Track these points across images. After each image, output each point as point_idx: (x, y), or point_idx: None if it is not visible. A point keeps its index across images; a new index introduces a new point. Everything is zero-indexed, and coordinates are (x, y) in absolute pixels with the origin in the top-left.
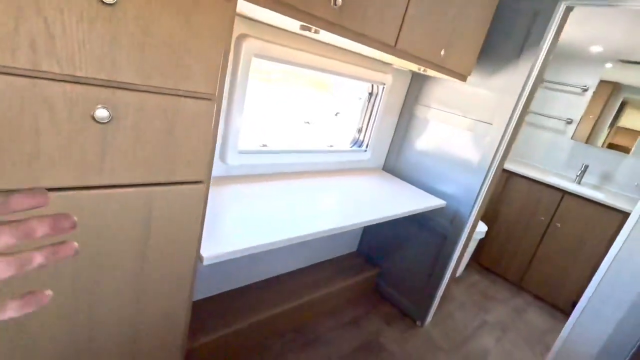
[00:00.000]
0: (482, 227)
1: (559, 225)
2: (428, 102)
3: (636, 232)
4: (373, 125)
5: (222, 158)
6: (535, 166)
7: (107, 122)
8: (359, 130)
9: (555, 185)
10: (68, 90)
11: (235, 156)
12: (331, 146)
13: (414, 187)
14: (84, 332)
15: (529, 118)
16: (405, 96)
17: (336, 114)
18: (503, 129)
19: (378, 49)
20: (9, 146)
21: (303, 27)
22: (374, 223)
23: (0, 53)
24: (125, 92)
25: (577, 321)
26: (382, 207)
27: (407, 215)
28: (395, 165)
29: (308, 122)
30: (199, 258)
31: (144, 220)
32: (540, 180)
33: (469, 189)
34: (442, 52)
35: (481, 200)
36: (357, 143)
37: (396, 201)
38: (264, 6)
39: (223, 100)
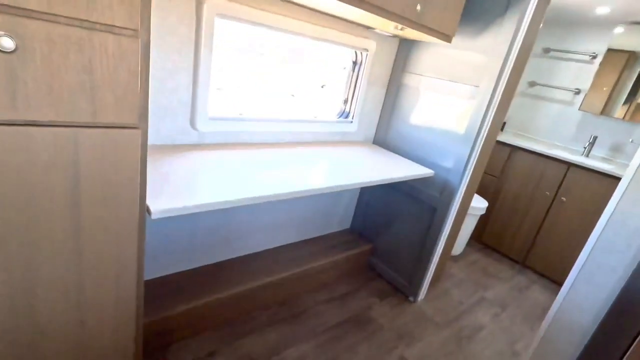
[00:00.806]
0: (482, 203)
1: (564, 199)
2: (416, 70)
3: (629, 194)
4: (359, 94)
5: (192, 124)
6: (542, 141)
7: (13, 52)
8: (345, 102)
9: (560, 158)
10: None
11: (205, 122)
12: (315, 117)
13: (402, 158)
14: (24, 302)
15: (534, 90)
16: (393, 65)
17: (322, 87)
18: (490, 93)
19: (344, 1)
20: None
21: None
22: (356, 187)
23: None
24: (30, 20)
25: (571, 289)
26: (368, 174)
27: (392, 181)
28: (385, 138)
29: (293, 95)
30: (147, 211)
31: (71, 164)
32: (544, 153)
33: (458, 159)
34: (418, 7)
35: (471, 170)
36: (343, 114)
37: (383, 169)
38: None
39: (189, 63)
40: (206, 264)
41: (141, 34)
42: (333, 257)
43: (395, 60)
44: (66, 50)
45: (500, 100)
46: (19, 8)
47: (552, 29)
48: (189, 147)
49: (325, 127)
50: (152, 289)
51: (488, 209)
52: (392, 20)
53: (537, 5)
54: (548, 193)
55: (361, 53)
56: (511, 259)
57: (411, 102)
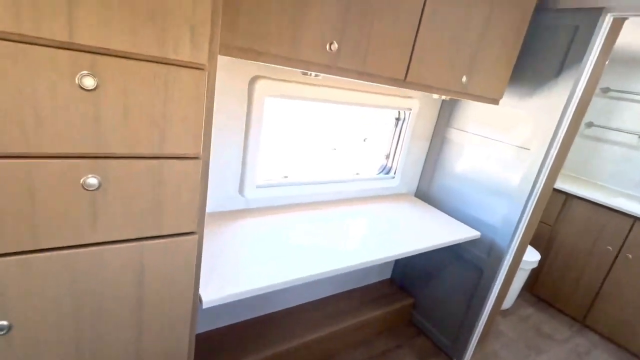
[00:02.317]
0: (533, 256)
1: (630, 256)
2: (461, 126)
3: None
4: (401, 150)
5: (241, 191)
6: (602, 185)
7: (97, 188)
8: (387, 157)
9: (624, 211)
10: (58, 166)
11: (252, 190)
12: (357, 174)
13: (445, 215)
14: None
15: (591, 132)
16: (437, 120)
17: (364, 140)
18: (543, 155)
19: (385, 83)
20: (9, 215)
21: (303, 72)
22: (401, 257)
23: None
24: (112, 160)
25: None
26: (411, 238)
27: (435, 248)
28: (427, 192)
29: (335, 149)
30: (199, 300)
31: (137, 272)
32: (606, 204)
33: (507, 219)
34: (464, 79)
35: (522, 232)
36: (385, 170)
37: (426, 231)
38: (246, 58)
39: (240, 137)
40: (243, 319)
41: (203, 156)
42: (372, 312)
43: (439, 116)
44: (140, 182)
45: (555, 160)
46: (104, 153)
47: (612, 67)
48: (236, 213)
49: (367, 184)
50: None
51: (541, 259)
52: (436, 93)
53: (594, 67)
54: (610, 248)
55: (404, 112)
56: (568, 316)
57: (455, 157)
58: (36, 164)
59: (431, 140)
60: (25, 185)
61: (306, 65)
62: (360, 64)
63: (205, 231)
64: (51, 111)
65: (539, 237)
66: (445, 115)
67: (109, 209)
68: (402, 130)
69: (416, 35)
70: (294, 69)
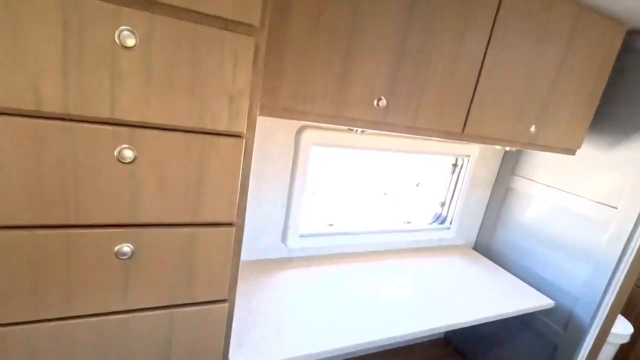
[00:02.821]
0: (624, 328)
1: None
2: (529, 175)
3: None
4: (458, 199)
5: (283, 240)
6: None
7: (129, 257)
8: (442, 205)
9: None
10: (94, 235)
11: (296, 240)
12: (409, 222)
13: (510, 275)
14: None
15: None
16: (500, 167)
17: (417, 185)
18: (635, 216)
19: (439, 137)
20: (46, 282)
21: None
22: (457, 328)
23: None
24: (146, 229)
25: None
26: (469, 302)
27: (499, 318)
28: (488, 246)
29: (385, 194)
30: None
31: (166, 339)
32: None
33: (591, 286)
34: (532, 129)
35: (611, 301)
36: (440, 219)
37: (487, 294)
38: (289, 118)
39: (285, 185)
40: None
41: (237, 222)
42: None
43: (502, 163)
44: (173, 250)
45: None
46: (139, 222)
47: None
48: (278, 262)
49: (420, 235)
50: None
51: (634, 332)
52: (499, 145)
53: None
54: None
55: (462, 158)
56: None
57: (522, 208)
58: (74, 233)
59: (492, 188)
60: (63, 254)
61: (352, 122)
62: (411, 119)
63: (243, 283)
64: (91, 183)
65: (633, 304)
66: (509, 162)
67: (140, 277)
68: (460, 176)
69: (476, 86)
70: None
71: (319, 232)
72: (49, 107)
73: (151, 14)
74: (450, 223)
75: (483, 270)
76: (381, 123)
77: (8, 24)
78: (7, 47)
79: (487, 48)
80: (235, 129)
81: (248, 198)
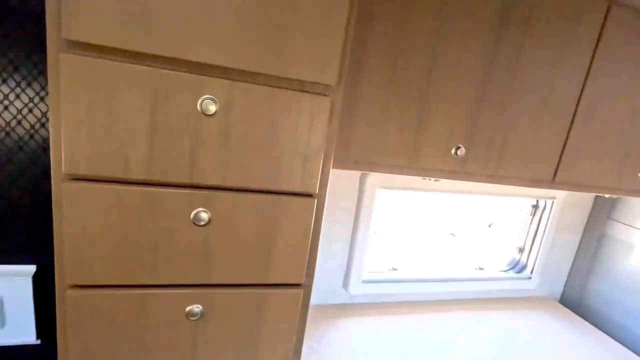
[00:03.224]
0: None
1: None
2: (628, 220)
3: None
4: (541, 244)
5: (345, 286)
6: None
7: (199, 318)
8: (521, 250)
9: None
10: (166, 296)
11: (358, 286)
12: (481, 269)
13: (605, 337)
14: None
15: None
16: (592, 209)
17: (489, 226)
18: None
19: (525, 185)
20: (120, 341)
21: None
22: None
23: None
24: (216, 289)
25: None
26: None
27: None
28: (577, 299)
29: (453, 234)
30: None
31: None
32: None
33: None
34: None
35: None
36: (518, 266)
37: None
38: (360, 170)
39: (348, 229)
40: None
41: (306, 283)
42: None
43: (594, 205)
44: (241, 310)
45: None
46: (209, 282)
47: None
48: (338, 308)
49: (494, 284)
50: None
51: None
52: (598, 192)
53: None
54: None
55: (545, 200)
56: None
57: (621, 258)
58: (149, 293)
59: (583, 233)
60: (136, 314)
61: (427, 172)
62: (492, 167)
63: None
64: (167, 245)
65: None
66: (603, 205)
67: (208, 337)
68: (543, 219)
69: (570, 128)
70: None
71: (382, 277)
72: (135, 174)
73: (232, 81)
74: (531, 272)
75: (572, 329)
76: (458, 172)
77: (104, 96)
78: (102, 119)
79: (583, 88)
80: (307, 190)
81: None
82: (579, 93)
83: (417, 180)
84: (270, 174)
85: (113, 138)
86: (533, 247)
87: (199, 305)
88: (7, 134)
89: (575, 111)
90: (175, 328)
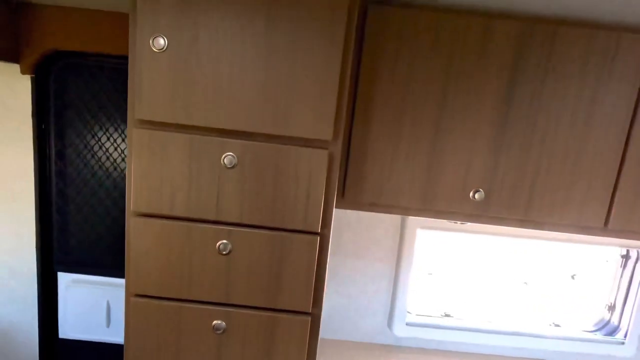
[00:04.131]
0: None
1: None
2: None
3: None
4: (635, 302)
5: (389, 326)
6: None
7: (222, 332)
8: (611, 308)
9: None
10: (197, 310)
11: (402, 327)
12: (557, 326)
13: None
14: None
15: None
16: None
17: (572, 277)
18: None
19: (570, 232)
20: (165, 346)
21: None
22: None
23: None
24: (236, 309)
25: None
26: None
27: None
28: None
29: (526, 283)
30: None
31: None
32: None
33: None
34: None
35: None
36: (607, 328)
37: None
38: (374, 211)
39: (391, 271)
40: None
41: (313, 313)
42: None
43: None
44: (255, 332)
45: None
46: (229, 301)
47: None
48: (383, 349)
49: (575, 346)
50: None
51: None
52: None
53: None
54: None
55: (637, 250)
56: None
57: None
58: (185, 307)
59: None
60: (175, 321)
61: (446, 215)
62: (521, 212)
63: None
64: (199, 268)
65: None
66: None
67: (230, 351)
68: (637, 272)
69: (620, 170)
70: None
71: (432, 322)
72: (178, 212)
73: (246, 141)
74: (625, 336)
75: None
76: (482, 216)
77: (159, 156)
78: (157, 172)
79: (633, 120)
80: (311, 228)
81: (354, 277)
82: (628, 127)
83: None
84: (277, 215)
85: (164, 185)
86: (626, 305)
87: (223, 322)
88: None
89: (625, 149)
90: (204, 338)
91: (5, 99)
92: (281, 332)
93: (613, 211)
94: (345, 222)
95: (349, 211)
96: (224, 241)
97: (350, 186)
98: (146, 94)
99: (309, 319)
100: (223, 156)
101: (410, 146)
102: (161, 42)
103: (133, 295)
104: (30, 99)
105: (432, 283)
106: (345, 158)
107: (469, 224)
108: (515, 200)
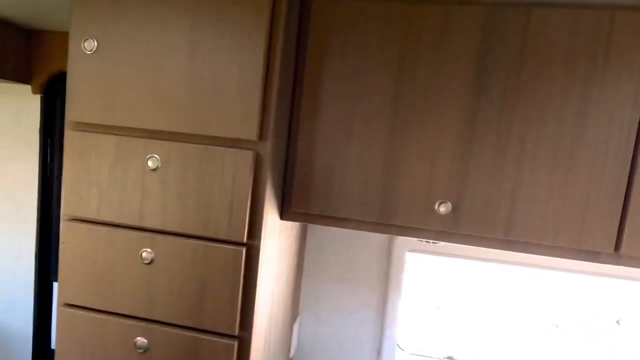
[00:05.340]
0: None
1: None
2: None
3: None
4: None
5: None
6: None
7: (145, 351)
8: None
9: None
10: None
11: None
12: None
13: None
14: None
15: None
16: None
17: (617, 322)
18: None
19: (572, 258)
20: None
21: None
22: None
23: None
24: (159, 326)
25: None
26: None
27: None
28: None
29: (557, 326)
30: None
31: None
32: None
33: None
34: None
35: None
36: None
37: None
38: (326, 225)
39: (379, 295)
40: None
41: (241, 337)
42: None
43: None
44: (178, 352)
45: None
46: (152, 317)
47: None
48: None
49: None
50: None
51: None
52: None
53: None
54: None
55: None
56: None
57: None
58: (110, 319)
59: None
60: (99, 339)
61: (406, 231)
62: (501, 230)
63: None
64: (122, 278)
65: None
66: None
67: None
68: None
69: (630, 181)
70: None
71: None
72: (102, 216)
73: (170, 142)
74: None
75: None
76: (453, 234)
77: (86, 158)
78: (86, 175)
79: None
80: (235, 238)
81: (337, 304)
82: (637, 127)
83: (457, 246)
84: (200, 222)
85: (91, 188)
86: None
87: (145, 340)
88: None
89: (637, 149)
90: (127, 357)
91: (19, 117)
92: (204, 355)
93: (626, 231)
94: (325, 239)
95: (331, 228)
96: (147, 249)
97: (296, 195)
98: (77, 95)
99: (235, 343)
100: (147, 158)
101: (362, 150)
102: (91, 44)
103: (62, 305)
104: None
105: (439, 318)
106: (290, 163)
107: (466, 249)
108: (492, 215)
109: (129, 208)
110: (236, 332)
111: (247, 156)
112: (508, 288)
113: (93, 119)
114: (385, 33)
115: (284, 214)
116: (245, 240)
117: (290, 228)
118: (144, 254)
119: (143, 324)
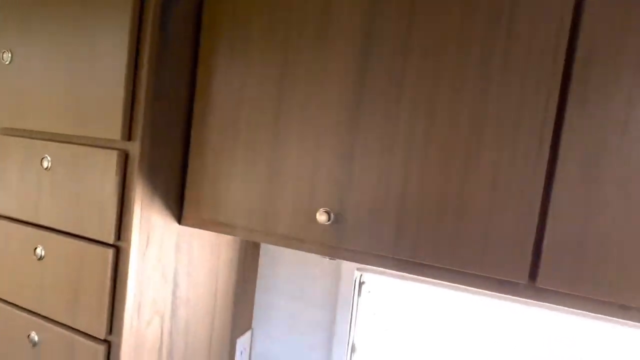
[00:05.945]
0: None
1: None
2: None
3: None
4: None
5: None
6: None
7: (34, 345)
8: None
9: None
10: (11, 314)
11: None
12: None
13: None
14: None
15: None
16: None
17: None
18: None
19: (486, 289)
20: None
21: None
22: None
23: None
24: (48, 323)
25: None
26: None
27: None
28: None
29: None
30: None
31: None
32: None
33: None
34: None
35: None
36: None
37: None
38: (219, 232)
39: (329, 319)
40: None
41: (110, 342)
42: None
43: None
44: (62, 352)
45: None
46: (43, 315)
47: None
48: None
49: None
50: None
51: None
52: None
53: None
54: None
55: None
56: None
57: None
58: (5, 308)
59: None
60: None
61: (290, 242)
62: (387, 247)
63: None
64: (19, 272)
65: None
66: None
67: None
68: None
69: (546, 188)
70: None
71: None
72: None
73: (58, 143)
74: None
75: None
76: (337, 249)
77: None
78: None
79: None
80: (103, 238)
81: (290, 322)
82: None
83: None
84: (77, 221)
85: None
86: None
87: (37, 335)
88: None
89: (554, 154)
90: (20, 350)
91: None
92: (80, 357)
93: (543, 257)
94: (278, 253)
95: None
96: (40, 246)
97: (189, 201)
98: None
99: (104, 347)
100: (42, 158)
101: (247, 153)
102: (7, 55)
103: None
104: None
105: (389, 341)
106: (185, 169)
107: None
108: (382, 229)
109: (28, 205)
110: (103, 336)
111: (112, 156)
112: (459, 314)
113: (6, 123)
114: (269, 28)
115: (182, 220)
116: (112, 241)
117: (231, 240)
118: (37, 250)
119: (35, 318)
